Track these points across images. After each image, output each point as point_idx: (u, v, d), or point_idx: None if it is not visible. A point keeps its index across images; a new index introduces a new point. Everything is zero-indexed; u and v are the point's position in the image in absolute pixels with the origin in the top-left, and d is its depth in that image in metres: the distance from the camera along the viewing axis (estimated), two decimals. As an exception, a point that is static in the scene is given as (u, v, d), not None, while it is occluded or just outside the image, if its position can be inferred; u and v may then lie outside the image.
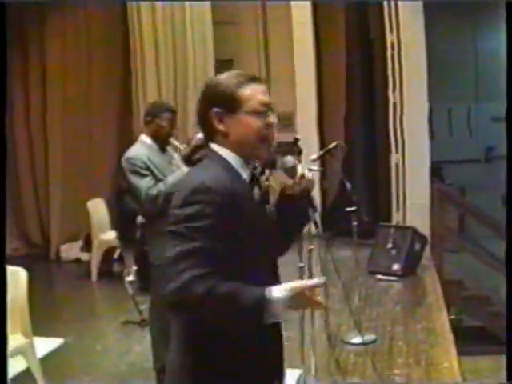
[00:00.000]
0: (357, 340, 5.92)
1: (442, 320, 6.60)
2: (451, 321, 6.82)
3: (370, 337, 6.05)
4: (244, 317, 2.23)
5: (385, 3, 9.92)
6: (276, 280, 2.44)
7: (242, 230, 2.32)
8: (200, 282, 2.19)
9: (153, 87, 9.75)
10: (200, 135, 4.20)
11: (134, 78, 9.96)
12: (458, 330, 6.84)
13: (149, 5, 9.60)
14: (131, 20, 9.75)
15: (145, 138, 5.01)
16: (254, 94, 2.41)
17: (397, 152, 10.05)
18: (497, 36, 16.11)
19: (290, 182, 2.52)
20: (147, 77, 9.77)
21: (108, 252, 9.25)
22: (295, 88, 10.69)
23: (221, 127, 2.41)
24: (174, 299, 2.21)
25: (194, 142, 4.69)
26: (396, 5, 9.84)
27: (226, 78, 2.47)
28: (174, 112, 5.10)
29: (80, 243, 10.23)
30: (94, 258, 9.22)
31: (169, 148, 5.06)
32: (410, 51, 9.86)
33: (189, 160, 4.68)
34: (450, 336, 6.13)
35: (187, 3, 9.49)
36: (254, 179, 2.51)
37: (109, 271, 9.23)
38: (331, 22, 10.90)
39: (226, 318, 2.24)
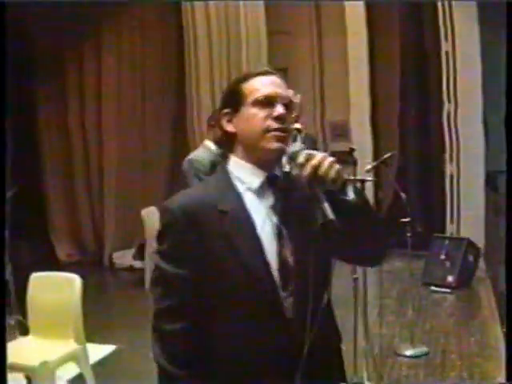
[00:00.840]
0: (409, 352, 5.87)
1: (497, 333, 6.49)
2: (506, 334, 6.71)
3: (422, 349, 5.99)
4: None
5: (439, 8, 9.83)
6: (280, 317, 2.14)
7: (220, 255, 2.14)
8: (157, 320, 2.21)
9: (207, 96, 9.80)
10: None
11: (187, 86, 10.01)
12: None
13: (203, 13, 9.64)
14: (186, 29, 9.81)
15: (208, 143, 4.95)
16: (258, 85, 2.23)
17: (451, 162, 9.93)
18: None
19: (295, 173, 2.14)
20: (201, 85, 9.81)
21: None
22: (349, 97, 10.64)
23: (229, 128, 2.26)
24: None
25: None
26: (451, 13, 9.74)
27: (233, 79, 2.39)
28: None
29: (133, 251, 10.30)
30: (148, 266, 9.26)
31: None
32: (465, 60, 9.75)
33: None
34: (504, 350, 6.03)
35: (242, 13, 9.52)
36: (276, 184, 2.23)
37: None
38: (385, 30, 10.84)
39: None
